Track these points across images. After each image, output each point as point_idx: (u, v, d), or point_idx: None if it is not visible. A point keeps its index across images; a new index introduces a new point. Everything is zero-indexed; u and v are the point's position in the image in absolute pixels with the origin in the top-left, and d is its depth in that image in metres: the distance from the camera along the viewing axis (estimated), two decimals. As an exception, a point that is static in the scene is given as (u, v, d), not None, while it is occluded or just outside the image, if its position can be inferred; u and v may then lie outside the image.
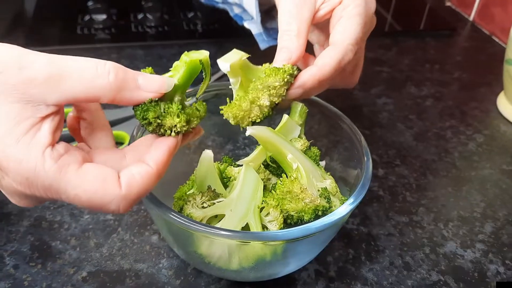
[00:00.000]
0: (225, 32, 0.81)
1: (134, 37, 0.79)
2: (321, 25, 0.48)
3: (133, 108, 0.33)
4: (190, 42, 0.79)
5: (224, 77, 0.67)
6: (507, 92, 0.67)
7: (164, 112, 0.33)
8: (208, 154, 0.40)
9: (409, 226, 0.49)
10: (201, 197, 0.38)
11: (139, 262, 0.44)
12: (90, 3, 0.81)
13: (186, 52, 0.35)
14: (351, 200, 0.37)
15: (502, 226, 0.50)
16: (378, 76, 0.74)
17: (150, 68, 0.34)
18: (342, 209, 0.36)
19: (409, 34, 0.88)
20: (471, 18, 0.94)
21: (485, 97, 0.71)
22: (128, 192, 0.29)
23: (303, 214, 0.38)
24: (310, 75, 0.40)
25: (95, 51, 0.75)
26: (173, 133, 0.34)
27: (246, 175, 0.39)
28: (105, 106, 0.53)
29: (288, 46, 0.42)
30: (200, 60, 0.34)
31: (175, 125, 0.33)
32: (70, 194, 0.28)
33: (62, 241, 0.45)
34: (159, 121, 0.33)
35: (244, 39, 0.60)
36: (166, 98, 0.33)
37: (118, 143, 0.56)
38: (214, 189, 0.40)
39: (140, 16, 0.83)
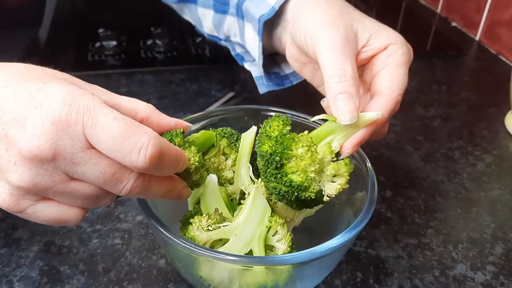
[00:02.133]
0: (232, 57, 0.83)
1: (143, 63, 0.81)
2: None
3: None
4: (199, 67, 0.80)
5: (230, 101, 0.68)
6: (515, 112, 0.67)
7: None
8: (212, 178, 0.41)
9: (418, 249, 0.49)
10: (207, 219, 0.39)
11: (146, 286, 0.44)
12: (100, 30, 0.83)
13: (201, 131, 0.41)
14: (357, 222, 0.37)
15: (513, 248, 0.50)
16: (385, 97, 0.75)
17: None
18: (349, 232, 0.36)
19: (415, 55, 0.87)
20: (477, 38, 0.94)
21: (493, 117, 0.71)
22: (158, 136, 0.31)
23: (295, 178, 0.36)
24: (366, 129, 0.39)
25: (105, 77, 0.76)
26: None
27: (255, 200, 0.39)
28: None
29: (348, 91, 0.38)
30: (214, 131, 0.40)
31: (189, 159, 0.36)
32: (109, 117, 0.30)
33: (71, 266, 0.45)
34: None
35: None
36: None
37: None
38: (221, 213, 0.40)
39: (149, 42, 0.85)
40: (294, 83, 0.56)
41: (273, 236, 0.39)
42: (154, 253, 0.47)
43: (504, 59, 0.87)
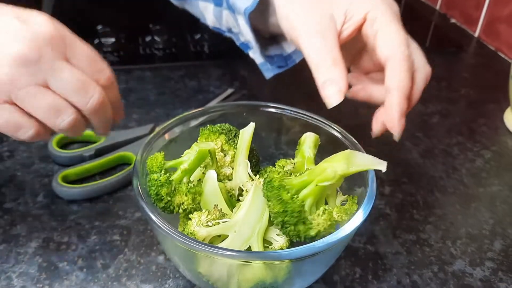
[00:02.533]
0: (231, 53, 0.82)
1: (142, 60, 0.81)
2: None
3: (148, 185, 0.39)
4: (198, 63, 0.80)
5: (229, 98, 0.68)
6: (514, 108, 0.67)
7: (174, 191, 0.39)
8: (212, 174, 0.41)
9: (416, 244, 0.49)
10: (207, 215, 0.39)
11: (145, 282, 0.44)
12: (99, 27, 0.83)
13: (196, 142, 0.43)
14: (356, 218, 0.37)
15: (512, 244, 0.50)
16: (384, 94, 0.75)
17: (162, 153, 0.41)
18: (347, 227, 0.36)
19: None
20: (476, 35, 0.94)
21: (492, 113, 0.71)
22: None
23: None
24: (398, 102, 0.39)
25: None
26: (180, 210, 0.40)
27: (255, 197, 0.39)
28: (113, 127, 0.54)
29: (331, 77, 0.40)
30: (209, 150, 0.42)
31: (183, 203, 0.39)
32: (83, 44, 0.40)
33: (70, 262, 0.45)
34: (169, 198, 0.39)
35: (249, 60, 0.60)
36: (176, 178, 0.40)
37: (125, 164, 0.57)
38: (221, 209, 0.40)
39: (148, 38, 0.85)
40: (297, 61, 0.55)
41: (273, 229, 0.39)
42: (153, 250, 0.47)
43: (503, 55, 0.87)
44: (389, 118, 0.41)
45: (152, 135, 0.44)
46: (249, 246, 0.38)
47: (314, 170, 0.38)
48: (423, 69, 0.44)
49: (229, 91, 0.69)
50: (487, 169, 0.60)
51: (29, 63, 0.36)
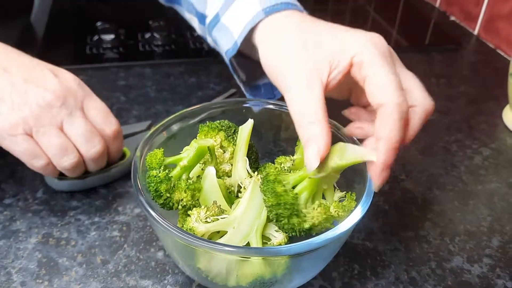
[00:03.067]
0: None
1: (142, 56, 0.81)
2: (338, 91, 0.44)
3: (147, 181, 0.39)
4: (197, 60, 0.80)
5: (232, 96, 0.68)
6: (512, 105, 0.67)
7: (174, 187, 0.39)
8: (211, 171, 0.41)
9: (415, 241, 0.49)
10: (206, 211, 0.39)
11: (144, 278, 0.44)
12: (99, 24, 0.83)
13: (195, 139, 0.44)
14: (354, 214, 0.37)
15: (510, 240, 0.50)
16: (383, 91, 0.75)
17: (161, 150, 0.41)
18: (346, 224, 0.36)
19: (414, 49, 0.88)
20: (476, 32, 0.94)
21: (491, 110, 0.71)
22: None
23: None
24: (383, 154, 0.36)
25: (104, 70, 0.76)
26: (180, 206, 0.40)
27: (253, 193, 0.40)
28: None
29: (313, 134, 0.37)
30: (208, 147, 0.42)
31: (182, 199, 0.40)
32: (97, 99, 0.50)
33: (69, 258, 0.46)
34: (168, 194, 0.39)
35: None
36: (175, 175, 0.40)
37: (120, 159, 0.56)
38: (220, 205, 0.40)
39: (147, 35, 0.85)
40: None
41: (272, 225, 0.39)
42: (152, 245, 0.47)
43: (502, 53, 0.87)
44: (372, 168, 0.37)
45: (151, 131, 0.44)
46: (248, 242, 0.38)
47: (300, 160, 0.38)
48: (423, 105, 0.39)
49: (232, 91, 0.69)
50: (486, 166, 0.60)
51: (54, 107, 0.45)
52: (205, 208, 0.39)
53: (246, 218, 0.39)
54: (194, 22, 0.59)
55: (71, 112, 0.46)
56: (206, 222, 0.38)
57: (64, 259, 0.45)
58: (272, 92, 0.56)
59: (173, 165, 0.41)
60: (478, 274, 0.46)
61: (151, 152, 0.41)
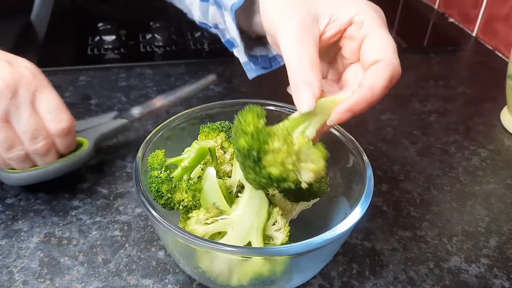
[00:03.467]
0: (230, 51, 0.83)
1: (142, 57, 0.81)
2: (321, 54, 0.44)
3: (149, 181, 0.40)
4: (197, 61, 0.81)
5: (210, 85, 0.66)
6: (510, 106, 0.67)
7: (175, 188, 0.40)
8: (211, 171, 0.41)
9: (413, 241, 0.50)
10: (205, 213, 0.39)
11: (145, 277, 0.44)
12: (100, 24, 0.83)
13: (196, 140, 0.44)
14: (353, 214, 0.37)
15: (507, 241, 0.50)
16: (382, 92, 0.75)
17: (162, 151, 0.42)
18: (345, 224, 0.36)
19: (413, 50, 0.89)
20: (474, 34, 0.95)
21: (489, 111, 0.72)
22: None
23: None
24: (361, 97, 0.36)
25: (105, 70, 0.77)
26: (181, 207, 0.40)
27: (252, 193, 0.40)
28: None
29: (307, 79, 0.37)
30: (209, 148, 0.42)
31: (183, 199, 0.40)
32: (53, 91, 0.48)
33: (71, 257, 0.46)
34: (169, 195, 0.39)
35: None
36: (176, 176, 0.41)
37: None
38: (219, 206, 0.41)
39: (148, 36, 0.85)
40: (282, 63, 0.54)
41: (272, 225, 0.40)
42: (153, 245, 0.48)
43: (500, 54, 0.88)
44: (339, 105, 0.37)
45: (152, 132, 0.44)
46: (249, 241, 0.38)
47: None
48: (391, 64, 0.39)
49: (211, 77, 0.68)
50: (483, 167, 0.61)
51: (2, 97, 0.44)
52: (205, 210, 0.39)
53: (246, 218, 0.39)
54: (195, 7, 0.58)
55: (19, 105, 0.45)
56: (206, 223, 0.39)
57: (66, 258, 0.46)
58: (270, 62, 0.56)
59: (174, 166, 0.42)
60: (475, 274, 0.46)
61: (152, 153, 0.41)
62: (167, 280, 0.44)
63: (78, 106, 0.68)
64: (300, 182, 0.36)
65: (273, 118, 0.49)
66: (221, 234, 0.40)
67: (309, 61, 0.38)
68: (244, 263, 0.36)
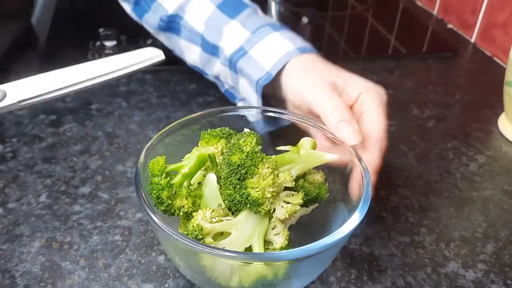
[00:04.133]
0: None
1: (143, 62, 0.81)
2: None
3: (149, 188, 0.40)
4: (197, 66, 0.81)
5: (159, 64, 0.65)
6: (507, 113, 0.68)
7: (175, 194, 0.40)
8: (211, 177, 0.42)
9: (411, 246, 0.50)
10: (211, 212, 0.39)
11: (146, 282, 0.45)
12: (101, 30, 0.84)
13: (196, 147, 0.44)
14: (352, 220, 0.38)
15: (504, 246, 0.51)
16: (381, 98, 0.76)
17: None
18: (344, 229, 0.37)
19: (412, 56, 0.89)
20: (472, 40, 0.96)
21: (487, 118, 0.72)
22: None
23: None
24: (372, 175, 0.45)
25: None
26: (181, 213, 0.40)
27: None
28: None
29: (344, 118, 0.45)
30: (209, 155, 0.42)
31: (183, 206, 0.40)
32: None
33: (72, 262, 0.46)
34: (170, 201, 0.40)
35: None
36: (177, 182, 0.40)
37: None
38: (224, 207, 0.41)
39: (149, 41, 0.86)
40: (286, 124, 0.55)
41: (272, 229, 0.40)
42: (153, 250, 0.48)
43: (498, 61, 0.89)
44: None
45: (154, 138, 0.45)
46: (250, 245, 0.39)
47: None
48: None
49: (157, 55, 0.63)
50: (481, 173, 0.61)
51: None
52: (211, 209, 0.40)
53: (249, 222, 0.40)
54: (192, 51, 0.63)
55: None
56: (211, 222, 0.39)
57: (67, 263, 0.46)
58: (277, 121, 0.58)
59: (175, 172, 0.42)
60: (472, 280, 0.47)
61: (153, 159, 0.42)
62: (167, 285, 0.45)
63: (79, 111, 0.68)
64: (271, 213, 0.40)
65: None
66: (223, 235, 0.40)
67: (342, 105, 0.46)
68: (244, 267, 0.37)
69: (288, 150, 0.43)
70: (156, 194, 0.39)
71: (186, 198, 0.40)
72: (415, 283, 0.46)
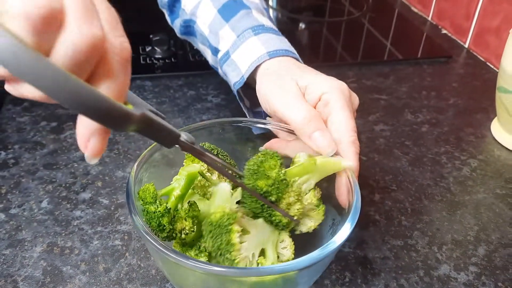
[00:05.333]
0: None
1: (142, 69, 0.83)
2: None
3: (146, 218, 0.39)
4: (197, 73, 0.83)
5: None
6: (499, 118, 0.69)
7: (174, 218, 0.39)
8: (224, 186, 0.42)
9: (404, 250, 0.51)
10: (236, 207, 0.41)
11: (145, 285, 0.46)
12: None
13: (182, 167, 0.44)
14: (343, 229, 0.38)
15: (495, 249, 0.52)
16: (376, 103, 0.77)
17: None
18: (337, 239, 0.37)
19: (406, 61, 0.91)
20: (466, 45, 0.97)
21: (480, 122, 0.74)
22: None
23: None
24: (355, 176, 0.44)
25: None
26: (183, 235, 0.40)
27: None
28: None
29: (317, 127, 0.45)
30: (199, 172, 0.42)
31: (184, 228, 0.40)
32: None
33: (73, 266, 0.48)
34: (171, 226, 0.39)
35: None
36: (171, 206, 0.40)
37: None
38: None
39: (148, 48, 0.87)
40: None
41: (280, 242, 0.42)
42: (152, 254, 0.49)
43: (492, 66, 0.90)
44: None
45: (145, 151, 0.44)
46: (263, 249, 0.40)
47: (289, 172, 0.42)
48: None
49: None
50: (474, 177, 0.62)
51: None
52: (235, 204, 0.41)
53: (266, 227, 0.41)
54: (207, 53, 0.65)
55: None
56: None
57: (68, 267, 0.48)
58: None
59: (166, 197, 0.41)
60: (464, 282, 0.48)
61: (142, 188, 0.40)
62: (166, 288, 0.46)
63: (80, 118, 0.69)
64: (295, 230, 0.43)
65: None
66: (243, 232, 0.40)
67: (313, 114, 0.46)
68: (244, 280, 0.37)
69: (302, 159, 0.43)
70: (157, 222, 0.38)
71: (186, 219, 0.40)
72: (408, 286, 0.47)
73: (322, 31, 1.04)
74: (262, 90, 0.51)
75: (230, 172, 0.41)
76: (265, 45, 0.55)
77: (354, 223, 0.39)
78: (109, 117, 0.25)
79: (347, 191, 0.43)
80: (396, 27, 1.06)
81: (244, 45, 0.56)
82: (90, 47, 0.26)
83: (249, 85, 0.57)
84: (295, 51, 0.57)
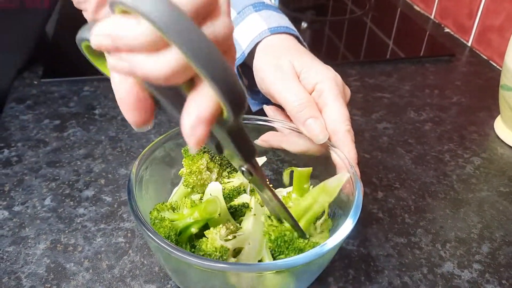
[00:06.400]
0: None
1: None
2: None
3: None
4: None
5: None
6: (503, 116, 0.69)
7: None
8: (216, 185, 0.42)
9: (407, 247, 0.51)
10: (226, 229, 0.39)
11: (148, 283, 0.46)
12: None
13: (195, 199, 0.45)
14: (344, 227, 0.39)
15: (499, 247, 0.52)
16: (379, 102, 0.77)
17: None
18: (337, 237, 0.38)
19: (409, 60, 0.91)
20: (469, 44, 0.97)
21: (483, 120, 0.73)
22: None
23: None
24: (355, 168, 0.45)
25: (108, 81, 0.78)
26: (218, 253, 0.39)
27: (257, 210, 0.42)
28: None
29: (312, 114, 0.45)
30: (216, 199, 0.41)
31: (215, 248, 0.39)
32: None
33: (76, 263, 0.48)
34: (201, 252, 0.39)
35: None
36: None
37: None
38: (234, 223, 0.42)
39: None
40: None
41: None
42: (155, 251, 0.49)
43: (494, 64, 0.90)
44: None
45: (145, 149, 0.45)
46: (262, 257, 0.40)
47: (299, 208, 0.41)
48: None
49: None
50: (477, 175, 0.62)
51: None
52: (224, 227, 0.39)
53: (257, 232, 0.41)
54: None
55: None
56: (227, 240, 0.39)
57: (72, 264, 0.48)
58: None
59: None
60: (468, 280, 0.48)
61: (158, 224, 0.40)
62: (169, 286, 0.46)
63: (83, 116, 0.70)
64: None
65: (261, 132, 0.51)
66: (235, 250, 0.40)
67: (307, 100, 0.46)
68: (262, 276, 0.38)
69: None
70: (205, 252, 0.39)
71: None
72: (411, 283, 0.47)
73: (325, 30, 1.04)
74: (258, 67, 0.51)
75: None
76: (267, 21, 0.55)
77: (356, 220, 0.39)
78: (236, 95, 0.26)
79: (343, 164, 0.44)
80: (399, 26, 1.05)
81: (245, 21, 0.56)
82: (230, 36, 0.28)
83: (249, 66, 0.57)
84: (295, 29, 0.56)
